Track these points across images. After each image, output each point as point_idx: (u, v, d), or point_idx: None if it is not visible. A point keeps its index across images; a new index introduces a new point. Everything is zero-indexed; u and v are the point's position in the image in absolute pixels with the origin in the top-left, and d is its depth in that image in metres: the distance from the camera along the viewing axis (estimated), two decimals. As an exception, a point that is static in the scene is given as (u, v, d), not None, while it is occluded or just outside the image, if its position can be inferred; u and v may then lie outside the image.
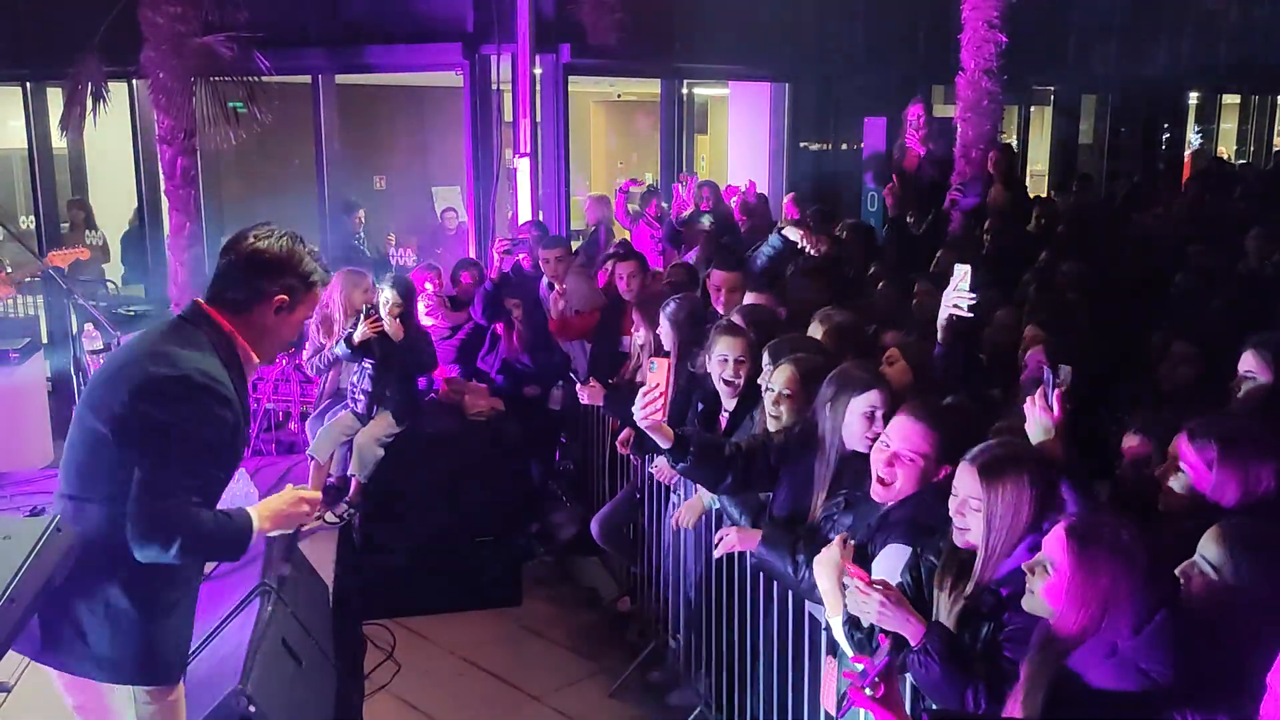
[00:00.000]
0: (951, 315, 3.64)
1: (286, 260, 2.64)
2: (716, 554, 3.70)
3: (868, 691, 2.07)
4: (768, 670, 3.66)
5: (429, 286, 6.90)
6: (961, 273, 3.62)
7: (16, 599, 1.63)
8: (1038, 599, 2.21)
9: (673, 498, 4.49)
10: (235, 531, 2.55)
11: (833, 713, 3.27)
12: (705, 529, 4.16)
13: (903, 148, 9.02)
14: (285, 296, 2.65)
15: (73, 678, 2.60)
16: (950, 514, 2.59)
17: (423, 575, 5.45)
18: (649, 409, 3.18)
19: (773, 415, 3.65)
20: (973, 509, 2.52)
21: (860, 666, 2.19)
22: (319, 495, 2.76)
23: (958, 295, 3.61)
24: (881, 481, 2.95)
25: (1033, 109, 14.52)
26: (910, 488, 2.93)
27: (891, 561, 2.84)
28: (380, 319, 5.53)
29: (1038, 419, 2.71)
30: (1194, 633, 2.10)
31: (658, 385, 3.20)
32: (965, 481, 2.55)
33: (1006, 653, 2.39)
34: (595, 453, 5.74)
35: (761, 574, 3.61)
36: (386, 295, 5.59)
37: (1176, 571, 2.35)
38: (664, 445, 3.40)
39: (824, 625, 3.18)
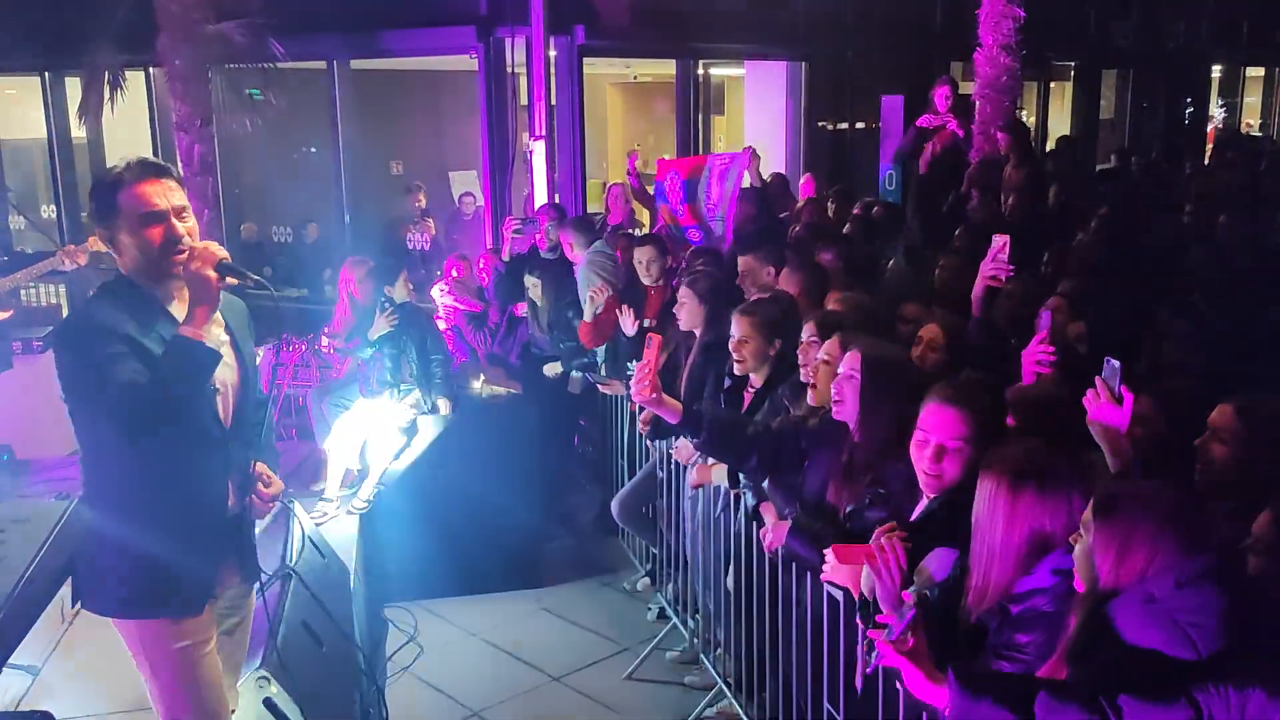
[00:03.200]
0: (987, 286, 3.63)
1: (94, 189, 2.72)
2: (768, 549, 3.63)
3: (896, 646, 2.05)
4: (786, 650, 3.66)
5: (455, 274, 6.93)
6: (1000, 243, 3.59)
7: (36, 579, 1.65)
8: (1082, 561, 2.17)
9: (691, 475, 4.48)
10: (175, 352, 2.57)
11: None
12: (724, 508, 4.16)
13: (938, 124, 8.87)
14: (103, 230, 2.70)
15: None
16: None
17: (443, 558, 5.47)
18: (637, 386, 3.24)
19: (811, 385, 3.61)
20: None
21: (887, 625, 2.15)
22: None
23: (994, 266, 3.60)
24: (928, 475, 2.82)
25: (1052, 85, 14.36)
26: (959, 475, 2.79)
27: (935, 564, 2.71)
28: (396, 313, 5.56)
29: (1102, 413, 2.65)
30: (1251, 608, 2.06)
31: (647, 363, 3.24)
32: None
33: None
34: (614, 434, 5.75)
35: (780, 553, 3.60)
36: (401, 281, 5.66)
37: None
38: (671, 421, 3.41)
39: (840, 604, 3.18)
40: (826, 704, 3.40)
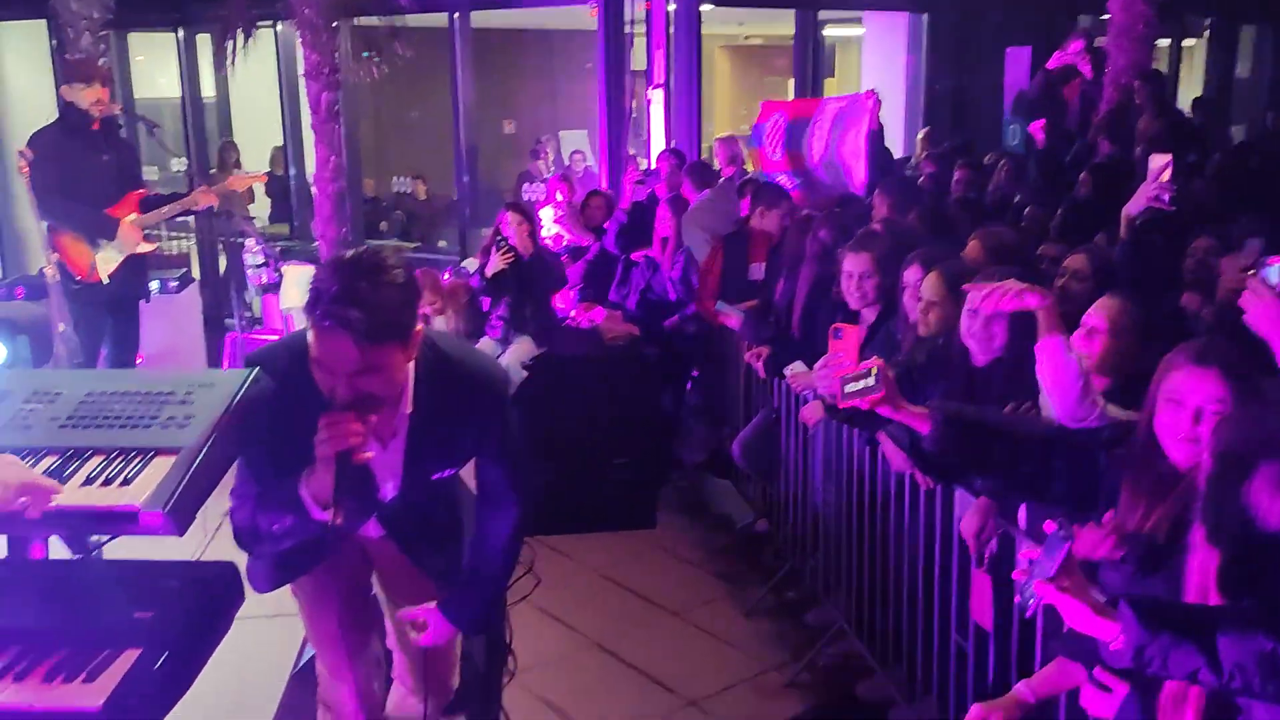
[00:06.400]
0: (1150, 207, 3.54)
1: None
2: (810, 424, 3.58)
3: (1055, 583, 1.95)
4: (912, 586, 3.62)
5: (559, 196, 6.95)
6: (1162, 163, 3.51)
7: (220, 441, 1.74)
8: None
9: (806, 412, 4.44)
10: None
11: (986, 627, 3.22)
12: (844, 448, 4.12)
13: (1067, 72, 8.55)
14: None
15: None
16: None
17: (560, 496, 5.54)
18: (863, 394, 2.67)
19: (922, 324, 3.58)
20: (1210, 413, 2.16)
21: (1036, 562, 2.02)
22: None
23: (1158, 186, 3.51)
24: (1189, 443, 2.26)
25: (1184, 42, 13.75)
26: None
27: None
28: (511, 250, 5.64)
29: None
30: None
31: (840, 357, 2.85)
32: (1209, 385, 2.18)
33: None
34: (731, 375, 5.75)
35: (907, 490, 3.56)
36: (511, 219, 5.73)
37: None
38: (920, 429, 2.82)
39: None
40: (955, 635, 3.37)
